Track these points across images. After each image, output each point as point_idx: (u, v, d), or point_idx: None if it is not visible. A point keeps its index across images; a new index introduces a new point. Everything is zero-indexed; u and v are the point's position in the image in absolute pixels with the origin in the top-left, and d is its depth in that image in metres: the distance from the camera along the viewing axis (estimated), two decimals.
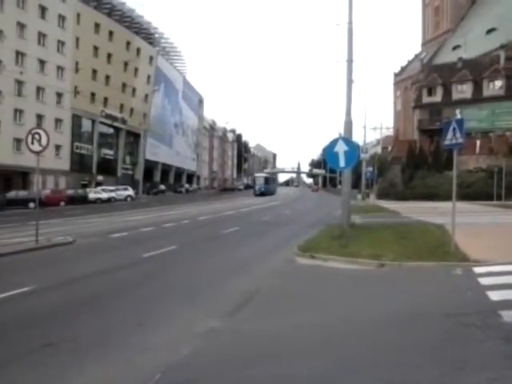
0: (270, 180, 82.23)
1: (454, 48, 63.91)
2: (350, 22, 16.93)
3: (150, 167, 75.87)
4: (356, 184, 40.18)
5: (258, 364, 4.86)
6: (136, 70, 70.00)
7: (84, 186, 54.24)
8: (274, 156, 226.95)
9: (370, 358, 4.93)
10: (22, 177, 46.83)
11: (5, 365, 5.01)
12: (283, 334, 5.86)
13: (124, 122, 66.98)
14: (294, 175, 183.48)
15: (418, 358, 4.86)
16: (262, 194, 69.10)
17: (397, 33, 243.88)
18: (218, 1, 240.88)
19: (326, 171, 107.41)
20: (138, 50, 70.29)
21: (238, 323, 6.42)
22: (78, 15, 56.37)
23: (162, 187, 74.98)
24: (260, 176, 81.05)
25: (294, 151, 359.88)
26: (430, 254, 10.69)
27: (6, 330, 6.24)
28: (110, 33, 63.36)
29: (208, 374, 4.64)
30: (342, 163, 12.23)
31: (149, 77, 74.15)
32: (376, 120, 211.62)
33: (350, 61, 17.09)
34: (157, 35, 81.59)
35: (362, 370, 4.59)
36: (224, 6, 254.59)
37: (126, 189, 55.20)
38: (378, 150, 70.99)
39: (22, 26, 47.31)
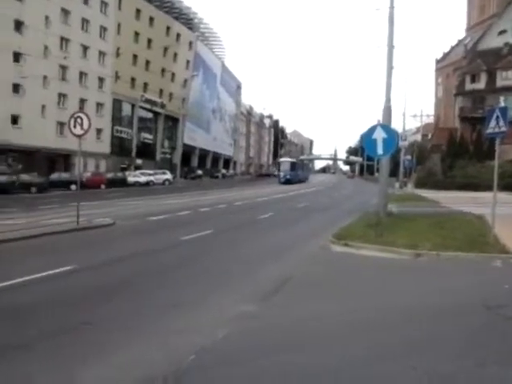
0: (299, 166, 71.84)
1: (500, 33, 61.45)
2: (392, 7, 16.59)
3: (187, 152, 76.50)
4: (394, 172, 39.52)
5: (290, 350, 4.90)
6: (175, 55, 70.45)
7: (123, 170, 55.25)
8: (311, 142, 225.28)
9: (404, 347, 4.91)
10: (64, 159, 48.10)
11: (44, 340, 5.20)
12: (316, 320, 5.88)
13: (163, 106, 67.69)
14: (331, 162, 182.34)
15: (453, 349, 4.80)
16: (288, 182, 58.45)
17: (440, 18, 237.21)
18: None
19: (363, 159, 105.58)
20: (178, 36, 70.63)
21: (271, 308, 6.48)
22: (120, 1, 56.97)
23: (199, 172, 75.47)
24: (285, 161, 68.40)
25: (331, 138, 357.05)
26: (468, 244, 10.48)
27: (46, 307, 6.46)
28: (151, 18, 63.84)
29: (241, 357, 4.71)
30: (379, 150, 12.02)
31: (188, 62, 74.50)
32: (416, 107, 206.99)
33: (390, 46, 16.76)
34: (196, 20, 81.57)
35: (396, 359, 4.57)
36: None
37: (164, 173, 55.89)
38: (418, 137, 69.74)
39: (66, 13, 48.16)
